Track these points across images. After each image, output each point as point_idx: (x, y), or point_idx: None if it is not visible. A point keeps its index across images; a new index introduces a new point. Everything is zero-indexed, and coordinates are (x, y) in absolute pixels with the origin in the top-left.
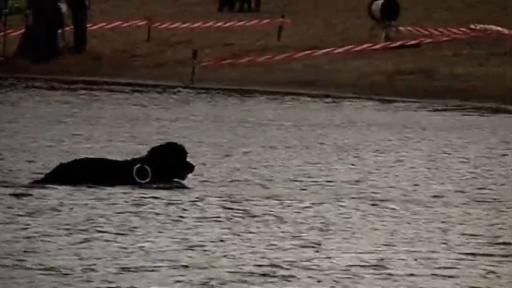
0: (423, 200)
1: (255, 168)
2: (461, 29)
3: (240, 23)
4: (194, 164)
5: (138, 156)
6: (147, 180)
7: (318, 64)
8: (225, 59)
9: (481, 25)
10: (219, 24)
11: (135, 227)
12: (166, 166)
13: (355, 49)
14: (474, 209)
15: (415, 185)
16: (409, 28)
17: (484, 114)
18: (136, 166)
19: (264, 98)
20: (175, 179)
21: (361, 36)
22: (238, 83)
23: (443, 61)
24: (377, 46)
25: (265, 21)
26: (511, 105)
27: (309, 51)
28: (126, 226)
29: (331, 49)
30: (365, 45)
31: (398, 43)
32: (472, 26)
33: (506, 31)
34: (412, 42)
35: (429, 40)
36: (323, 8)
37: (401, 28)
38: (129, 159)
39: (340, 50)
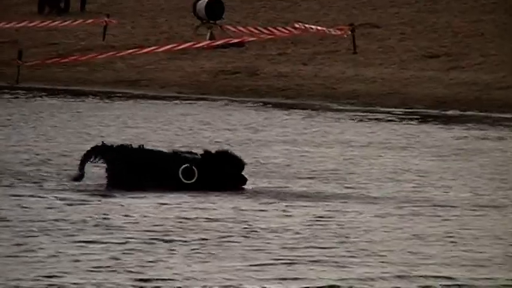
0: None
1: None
2: (286, 28)
3: (65, 23)
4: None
5: (189, 155)
6: (191, 182)
7: (142, 63)
8: (50, 59)
9: (304, 24)
10: (44, 23)
11: None
12: (218, 174)
13: (179, 48)
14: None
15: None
16: (234, 28)
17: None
18: (184, 166)
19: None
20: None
21: (186, 36)
22: (63, 83)
23: (267, 60)
24: (201, 45)
25: (89, 20)
26: (335, 104)
27: (133, 50)
28: None
29: (156, 48)
30: (189, 44)
31: (221, 41)
32: (296, 25)
33: (329, 30)
34: (236, 40)
35: (253, 39)
36: (148, 7)
37: (227, 27)
38: (180, 154)
39: (165, 48)
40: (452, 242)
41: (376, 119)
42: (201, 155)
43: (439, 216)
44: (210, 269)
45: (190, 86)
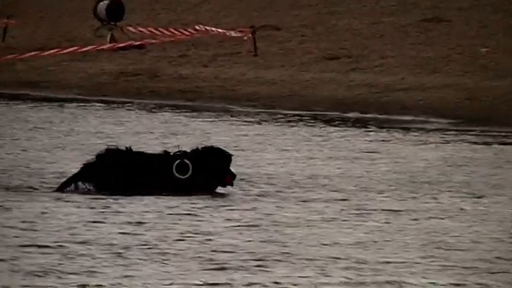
0: None
1: None
2: (187, 30)
3: None
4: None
5: (179, 152)
6: (186, 177)
7: (43, 65)
8: None
9: (205, 26)
10: None
11: None
12: (209, 168)
13: (80, 50)
14: None
15: None
16: (135, 29)
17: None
18: (177, 161)
19: None
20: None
21: (87, 37)
22: None
23: (168, 62)
24: (102, 47)
25: None
26: (235, 106)
27: (35, 52)
28: None
29: (57, 50)
30: (90, 47)
31: (122, 44)
32: (197, 27)
33: (230, 33)
34: (137, 43)
35: (154, 41)
36: (49, 8)
37: (128, 28)
38: (170, 152)
39: (66, 50)
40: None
41: (277, 120)
42: (191, 151)
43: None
44: None
45: (91, 88)
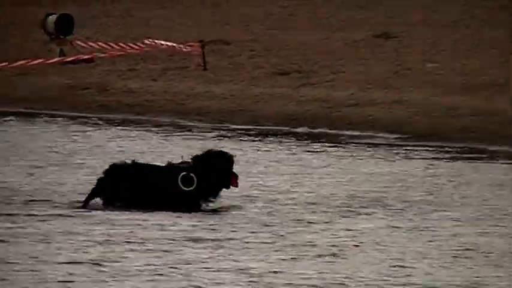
0: None
1: None
2: (137, 44)
3: None
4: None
5: (183, 164)
6: (191, 189)
7: None
8: None
9: (155, 40)
10: None
11: None
12: (211, 174)
13: (30, 64)
14: None
15: None
16: (84, 43)
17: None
18: (182, 174)
19: None
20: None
21: (35, 51)
22: None
23: (117, 75)
24: (51, 61)
25: None
26: (185, 120)
27: None
28: None
29: (6, 64)
30: (39, 60)
31: (71, 58)
32: (146, 41)
33: (180, 47)
34: (86, 56)
35: (103, 55)
36: None
37: (77, 42)
38: (174, 164)
39: (16, 64)
40: None
41: (226, 136)
42: (193, 157)
43: None
44: None
45: (40, 101)
